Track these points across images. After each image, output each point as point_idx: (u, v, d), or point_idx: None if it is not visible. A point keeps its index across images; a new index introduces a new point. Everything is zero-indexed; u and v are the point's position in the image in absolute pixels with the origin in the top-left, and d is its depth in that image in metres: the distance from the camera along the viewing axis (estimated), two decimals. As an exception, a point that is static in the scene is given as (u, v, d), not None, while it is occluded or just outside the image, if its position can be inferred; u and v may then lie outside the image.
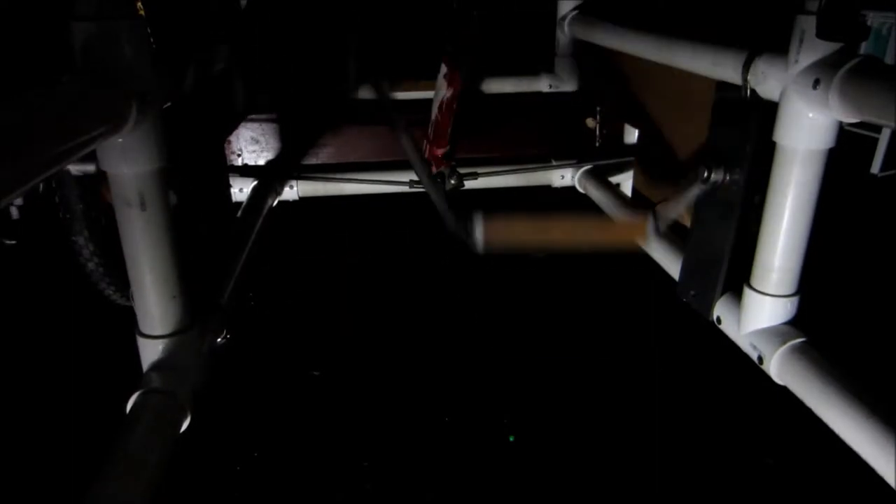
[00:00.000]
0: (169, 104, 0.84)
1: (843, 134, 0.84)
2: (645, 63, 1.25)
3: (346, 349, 1.73)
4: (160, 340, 0.88)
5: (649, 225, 1.05)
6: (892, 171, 3.18)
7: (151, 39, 0.82)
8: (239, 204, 1.50)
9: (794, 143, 0.84)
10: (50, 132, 0.62)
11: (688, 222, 1.14)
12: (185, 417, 0.85)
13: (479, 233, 1.02)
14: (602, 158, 1.73)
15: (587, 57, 1.74)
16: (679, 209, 1.06)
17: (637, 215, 1.03)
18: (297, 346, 1.73)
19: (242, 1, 1.59)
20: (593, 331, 1.82)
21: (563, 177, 1.76)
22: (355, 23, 1.67)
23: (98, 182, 1.21)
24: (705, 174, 1.00)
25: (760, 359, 0.92)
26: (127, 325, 0.91)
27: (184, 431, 0.86)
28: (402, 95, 1.69)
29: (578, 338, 1.79)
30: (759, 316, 0.94)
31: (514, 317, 1.90)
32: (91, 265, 1.30)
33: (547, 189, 1.78)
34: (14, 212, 2.20)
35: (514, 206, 2.10)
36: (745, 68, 0.92)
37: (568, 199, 1.75)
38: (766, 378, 0.92)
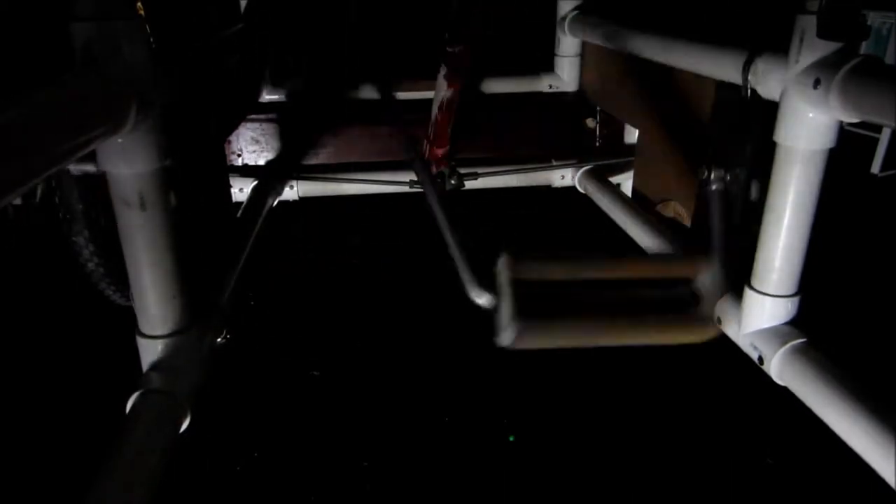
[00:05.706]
0: (169, 104, 0.84)
1: (843, 134, 0.84)
2: (645, 63, 1.25)
3: (346, 349, 1.73)
4: (160, 340, 0.88)
5: (712, 326, 0.96)
6: (892, 171, 3.18)
7: (151, 39, 0.82)
8: (239, 204, 1.50)
9: (794, 143, 0.84)
10: (50, 132, 0.62)
11: (688, 222, 1.15)
12: (185, 417, 0.85)
13: (510, 333, 0.86)
14: (602, 158, 1.73)
15: (587, 57, 1.74)
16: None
17: (699, 314, 0.92)
18: (297, 346, 1.73)
19: (242, 1, 1.59)
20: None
21: (563, 177, 1.76)
22: (355, 22, 1.67)
23: (99, 182, 1.20)
24: (705, 174, 1.00)
25: (761, 359, 0.92)
26: (127, 325, 0.91)
27: (184, 431, 0.86)
28: (402, 95, 1.69)
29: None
30: (759, 316, 0.94)
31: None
32: (91, 265, 1.30)
33: (547, 189, 1.78)
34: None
35: (514, 206, 2.11)
36: (746, 68, 0.92)
37: (568, 199, 1.75)
38: (767, 378, 0.91)
